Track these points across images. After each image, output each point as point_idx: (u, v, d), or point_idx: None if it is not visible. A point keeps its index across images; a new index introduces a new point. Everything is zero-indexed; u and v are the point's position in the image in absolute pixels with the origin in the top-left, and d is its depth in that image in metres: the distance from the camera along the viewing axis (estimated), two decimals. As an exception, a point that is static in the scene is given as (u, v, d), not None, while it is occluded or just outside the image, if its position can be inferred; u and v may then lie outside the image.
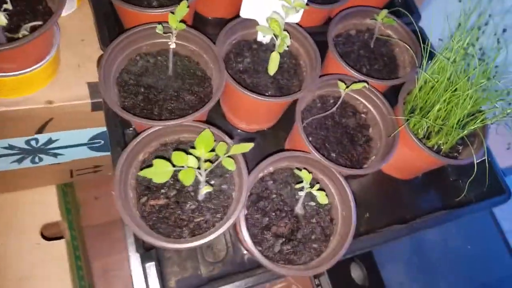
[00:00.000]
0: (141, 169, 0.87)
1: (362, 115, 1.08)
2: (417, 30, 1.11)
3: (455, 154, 1.08)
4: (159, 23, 0.93)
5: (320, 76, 1.02)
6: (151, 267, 0.89)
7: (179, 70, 1.01)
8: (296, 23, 1.06)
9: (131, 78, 0.98)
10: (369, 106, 1.07)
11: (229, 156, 0.80)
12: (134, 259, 0.89)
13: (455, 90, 0.95)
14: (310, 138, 1.01)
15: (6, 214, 1.45)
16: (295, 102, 0.98)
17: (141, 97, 0.96)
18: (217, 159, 0.80)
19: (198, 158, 0.77)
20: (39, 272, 1.39)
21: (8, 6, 0.95)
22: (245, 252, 0.99)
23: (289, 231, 0.90)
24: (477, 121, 1.00)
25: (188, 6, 0.89)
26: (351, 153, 1.02)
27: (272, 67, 0.96)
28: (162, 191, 0.89)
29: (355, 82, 0.98)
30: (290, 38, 1.07)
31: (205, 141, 0.79)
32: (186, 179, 0.76)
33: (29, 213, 1.46)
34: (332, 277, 1.28)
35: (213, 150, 0.79)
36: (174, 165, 0.75)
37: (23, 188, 1.48)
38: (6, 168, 1.30)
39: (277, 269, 0.82)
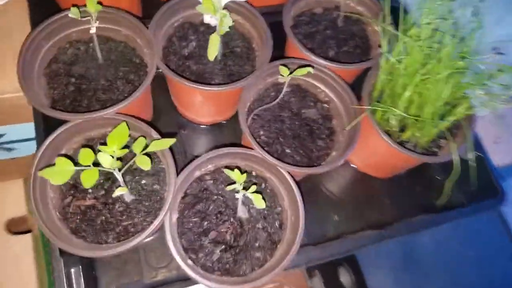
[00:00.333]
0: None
1: (325, 105, 0.95)
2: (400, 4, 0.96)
3: (435, 149, 0.93)
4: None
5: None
6: (75, 273, 0.79)
7: (113, 57, 0.91)
8: (246, 1, 0.93)
9: (60, 68, 0.89)
10: (332, 95, 0.94)
11: (146, 154, 0.69)
12: (56, 263, 0.79)
13: (425, 73, 0.81)
14: (261, 132, 0.89)
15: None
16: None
17: (71, 88, 0.87)
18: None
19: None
20: (3, 267, 1.33)
21: None
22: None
23: (230, 237, 0.79)
24: (458, 110, 0.85)
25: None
26: (310, 148, 0.89)
27: (212, 51, 0.84)
28: (90, 191, 0.80)
29: (302, 66, 0.85)
30: (245, 19, 0.96)
31: (118, 136, 0.69)
32: (87, 180, 0.65)
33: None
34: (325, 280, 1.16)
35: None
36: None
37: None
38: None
39: (207, 282, 0.71)
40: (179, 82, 0.83)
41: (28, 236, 1.38)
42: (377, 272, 1.24)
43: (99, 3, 0.81)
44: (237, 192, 0.74)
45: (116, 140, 0.68)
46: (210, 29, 0.96)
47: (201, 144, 1.02)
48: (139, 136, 0.71)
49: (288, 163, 0.81)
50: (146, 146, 0.70)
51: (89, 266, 0.83)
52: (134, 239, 0.71)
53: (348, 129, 0.86)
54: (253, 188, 0.73)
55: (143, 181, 0.80)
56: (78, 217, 0.77)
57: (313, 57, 0.91)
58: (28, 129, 1.16)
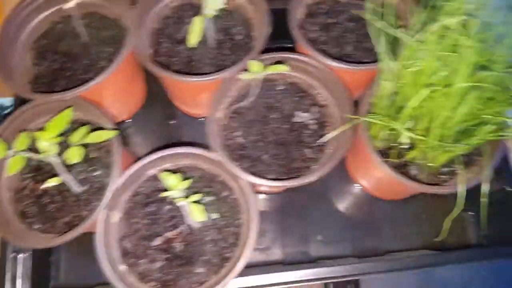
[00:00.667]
0: None
1: (321, 109, 0.81)
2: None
3: (446, 176, 0.76)
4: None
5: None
6: (22, 259, 0.78)
7: (100, 36, 0.86)
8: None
9: (48, 44, 0.86)
10: (329, 98, 0.80)
11: (83, 144, 0.64)
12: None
13: (436, 84, 0.64)
14: (238, 133, 0.79)
15: None
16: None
17: (55, 66, 0.84)
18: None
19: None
20: None
21: None
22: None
23: (178, 246, 0.71)
24: (481, 132, 0.67)
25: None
26: (292, 158, 0.77)
27: (193, 36, 0.75)
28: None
29: (274, 63, 0.72)
30: (250, 2, 0.85)
31: (58, 123, 0.65)
32: (13, 166, 0.62)
33: None
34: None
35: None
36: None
37: None
38: None
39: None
40: (157, 71, 0.76)
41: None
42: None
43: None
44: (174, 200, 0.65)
45: (55, 127, 0.64)
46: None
47: (188, 137, 0.94)
48: (85, 124, 0.66)
49: (253, 172, 0.71)
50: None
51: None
52: (66, 235, 0.67)
53: (322, 141, 0.73)
54: (195, 197, 0.64)
55: (97, 173, 0.75)
56: (31, 201, 0.75)
57: (313, 52, 0.78)
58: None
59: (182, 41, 0.86)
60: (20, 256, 0.76)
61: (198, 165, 0.76)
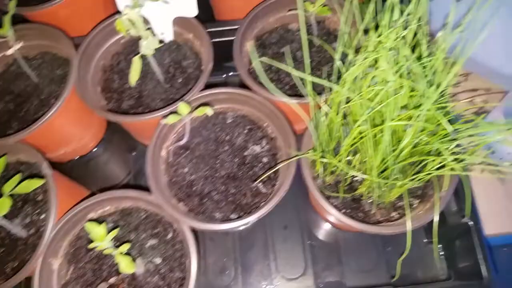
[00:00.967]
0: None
1: (272, 141, 0.79)
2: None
3: (396, 213, 0.72)
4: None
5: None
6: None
7: (52, 76, 0.86)
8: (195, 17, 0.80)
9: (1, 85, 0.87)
10: (277, 131, 0.78)
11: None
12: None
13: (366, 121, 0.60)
14: (186, 169, 0.77)
15: None
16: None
17: (8, 107, 0.85)
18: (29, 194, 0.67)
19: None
20: None
21: None
22: None
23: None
24: (428, 169, 0.63)
25: None
26: (243, 192, 0.75)
27: (133, 75, 0.74)
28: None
29: (204, 104, 0.70)
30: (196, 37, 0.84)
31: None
32: None
33: None
34: None
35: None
36: None
37: None
38: None
39: None
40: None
41: None
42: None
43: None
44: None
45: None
46: (164, 46, 0.86)
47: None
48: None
49: (201, 211, 0.69)
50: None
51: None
52: (9, 281, 0.66)
53: (260, 181, 0.70)
54: (124, 246, 0.62)
55: (42, 216, 0.74)
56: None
57: (254, 86, 0.75)
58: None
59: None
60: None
61: (141, 207, 0.74)
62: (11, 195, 0.64)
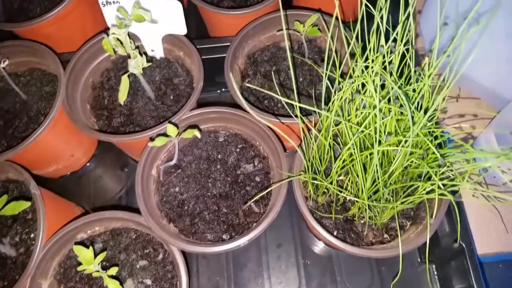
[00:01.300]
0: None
1: (264, 160, 0.78)
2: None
3: (389, 234, 0.71)
4: None
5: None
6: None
7: (41, 93, 0.85)
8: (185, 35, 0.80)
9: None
10: (268, 150, 0.77)
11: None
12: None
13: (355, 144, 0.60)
14: (177, 189, 0.76)
15: None
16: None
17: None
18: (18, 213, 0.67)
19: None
20: None
21: None
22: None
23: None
24: (418, 192, 0.62)
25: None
26: (235, 212, 0.74)
27: (122, 95, 0.74)
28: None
29: (192, 126, 0.69)
30: (186, 54, 0.83)
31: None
32: None
33: None
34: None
35: None
36: None
37: None
38: None
39: None
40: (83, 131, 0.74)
41: None
42: None
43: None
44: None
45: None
46: (154, 63, 0.85)
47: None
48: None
49: (192, 232, 0.68)
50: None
51: None
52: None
53: (248, 205, 0.70)
54: (112, 271, 0.61)
55: (32, 235, 0.73)
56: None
57: (249, 109, 0.74)
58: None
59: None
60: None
61: (131, 227, 0.73)
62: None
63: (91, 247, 0.60)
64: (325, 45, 0.86)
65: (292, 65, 0.59)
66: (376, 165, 0.56)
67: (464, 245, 0.71)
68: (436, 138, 0.58)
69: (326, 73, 0.56)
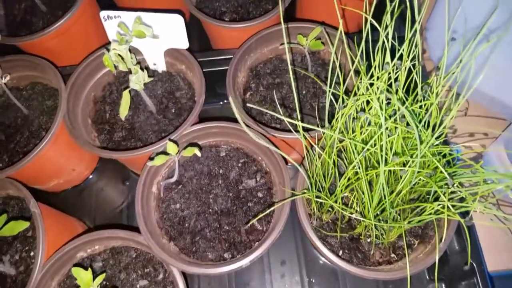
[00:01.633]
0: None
1: (266, 175, 0.76)
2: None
3: (400, 252, 0.69)
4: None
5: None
6: None
7: (42, 107, 0.84)
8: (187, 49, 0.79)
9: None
10: (271, 166, 0.75)
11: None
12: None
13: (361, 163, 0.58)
14: (178, 205, 0.75)
15: None
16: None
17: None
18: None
19: None
20: None
21: None
22: None
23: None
24: (426, 212, 0.60)
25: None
26: (237, 230, 0.72)
27: (123, 110, 0.72)
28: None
29: (188, 146, 0.68)
30: (188, 68, 0.82)
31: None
32: None
33: None
34: None
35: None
36: None
37: None
38: None
39: None
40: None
41: None
42: None
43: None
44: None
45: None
46: (155, 76, 0.84)
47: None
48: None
49: (193, 251, 0.67)
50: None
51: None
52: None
53: (252, 223, 0.68)
54: (111, 292, 0.60)
55: (32, 253, 0.72)
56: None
57: (250, 123, 0.73)
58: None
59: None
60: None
61: (130, 245, 0.72)
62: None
63: (89, 269, 0.59)
64: (329, 57, 0.84)
65: (293, 80, 0.57)
66: (383, 184, 0.54)
67: (475, 264, 0.69)
68: (444, 156, 0.56)
69: (329, 91, 0.54)
